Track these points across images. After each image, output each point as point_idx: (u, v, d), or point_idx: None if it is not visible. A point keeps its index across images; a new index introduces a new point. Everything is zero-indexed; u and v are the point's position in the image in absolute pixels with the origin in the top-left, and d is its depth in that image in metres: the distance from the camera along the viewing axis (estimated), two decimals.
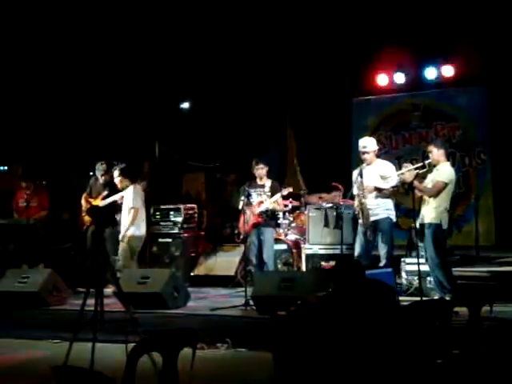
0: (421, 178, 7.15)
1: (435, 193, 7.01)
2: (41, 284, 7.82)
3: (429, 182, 7.14)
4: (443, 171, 7.11)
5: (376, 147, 7.71)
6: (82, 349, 4.94)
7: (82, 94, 11.35)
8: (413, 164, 7.64)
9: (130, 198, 8.35)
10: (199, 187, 12.86)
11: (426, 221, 7.05)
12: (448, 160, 7.32)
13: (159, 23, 10.28)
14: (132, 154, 11.92)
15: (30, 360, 5.87)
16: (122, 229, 8.29)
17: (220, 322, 6.81)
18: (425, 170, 7.19)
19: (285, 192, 8.36)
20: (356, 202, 7.61)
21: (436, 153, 7.12)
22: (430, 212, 7.02)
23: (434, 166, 7.14)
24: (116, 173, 8.57)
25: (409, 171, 7.15)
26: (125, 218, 8.34)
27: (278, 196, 8.31)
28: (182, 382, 3.22)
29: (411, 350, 3.14)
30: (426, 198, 7.10)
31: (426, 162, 7.19)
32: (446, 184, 7.03)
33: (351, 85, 10.71)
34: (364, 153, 7.56)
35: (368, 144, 7.63)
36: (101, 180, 9.19)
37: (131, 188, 8.41)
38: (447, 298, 6.50)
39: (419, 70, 10.69)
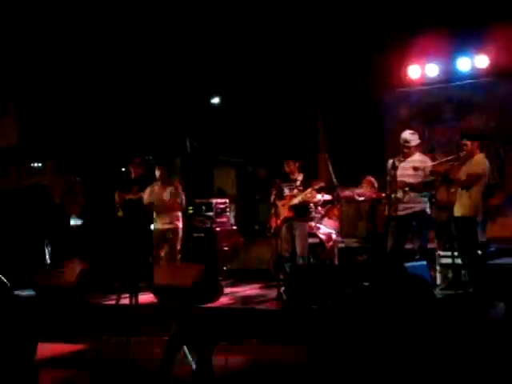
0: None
1: (468, 184, 6.89)
2: (76, 279, 7.92)
3: (463, 174, 7.02)
4: (477, 163, 6.99)
5: (418, 141, 7.57)
6: (118, 343, 4.99)
7: (114, 91, 11.45)
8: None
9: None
10: (230, 182, 12.90)
11: (460, 213, 6.95)
12: (482, 152, 7.20)
13: (189, 20, 10.31)
14: (164, 149, 12.03)
15: (66, 353, 5.94)
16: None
17: (253, 316, 6.82)
18: (458, 162, 7.08)
19: (316, 186, 8.30)
20: (386, 193, 7.54)
21: (470, 145, 7.01)
22: (464, 205, 6.92)
23: (469, 158, 7.02)
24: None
25: (440, 163, 7.04)
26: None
27: (309, 190, 8.25)
28: (216, 375, 3.23)
29: (447, 344, 3.12)
30: (459, 190, 6.99)
31: (461, 154, 7.08)
32: (480, 176, 6.91)
33: (383, 77, 10.60)
34: (405, 147, 7.47)
35: (411, 139, 7.51)
36: (133, 175, 9.26)
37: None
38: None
39: (452, 61, 10.51)
